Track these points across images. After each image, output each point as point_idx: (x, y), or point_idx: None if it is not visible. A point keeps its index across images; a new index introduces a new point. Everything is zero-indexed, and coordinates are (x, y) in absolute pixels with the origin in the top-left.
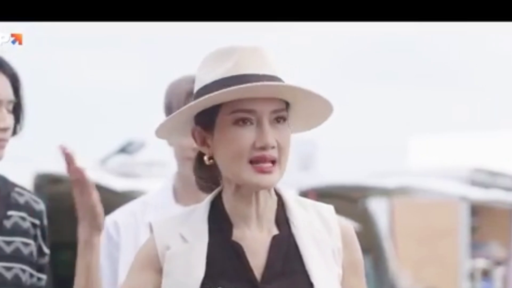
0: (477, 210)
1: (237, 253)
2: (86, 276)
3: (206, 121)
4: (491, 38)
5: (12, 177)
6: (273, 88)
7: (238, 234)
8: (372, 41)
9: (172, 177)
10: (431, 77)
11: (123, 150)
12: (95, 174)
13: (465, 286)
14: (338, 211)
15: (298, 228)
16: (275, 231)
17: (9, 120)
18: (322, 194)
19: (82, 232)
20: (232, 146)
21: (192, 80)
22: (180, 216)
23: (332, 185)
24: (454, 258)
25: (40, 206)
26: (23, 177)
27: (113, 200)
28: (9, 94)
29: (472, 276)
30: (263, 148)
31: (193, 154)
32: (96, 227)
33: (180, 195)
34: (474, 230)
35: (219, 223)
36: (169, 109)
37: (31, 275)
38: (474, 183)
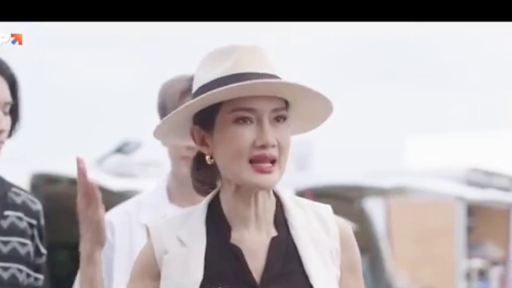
0: (473, 210)
1: (236, 256)
2: None
3: (205, 120)
4: (490, 38)
5: (9, 177)
6: (272, 85)
7: (237, 236)
8: (370, 41)
9: (166, 177)
10: (428, 77)
11: (120, 150)
12: (91, 174)
13: (461, 286)
14: (335, 211)
15: (296, 229)
16: (273, 233)
17: (5, 122)
18: (318, 194)
19: (84, 247)
20: (232, 145)
21: (185, 80)
22: (178, 219)
23: (329, 185)
24: (450, 258)
25: (37, 206)
26: (19, 177)
27: (109, 200)
28: (5, 95)
29: (468, 276)
30: (263, 146)
31: (187, 153)
32: (99, 242)
33: (174, 195)
34: (470, 230)
35: (217, 225)
36: (163, 109)
37: (28, 275)
38: (471, 183)
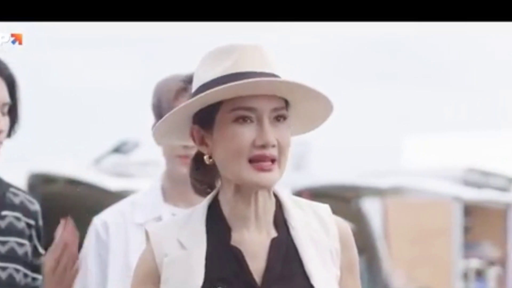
0: (470, 210)
1: (236, 258)
2: None
3: (205, 119)
4: (490, 38)
5: (6, 176)
6: (272, 84)
7: (237, 238)
8: (370, 41)
9: (161, 177)
10: (426, 77)
11: (117, 150)
12: (89, 174)
13: (458, 286)
14: (332, 211)
15: (296, 230)
16: (273, 233)
17: (3, 122)
18: (316, 194)
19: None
20: (232, 144)
21: (180, 79)
22: (177, 221)
23: (326, 185)
24: (447, 258)
25: (35, 206)
26: (17, 177)
27: (107, 200)
28: (4, 96)
29: (465, 276)
30: (263, 146)
31: (183, 152)
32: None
33: (169, 195)
34: (467, 230)
35: (217, 227)
36: (158, 108)
37: (26, 275)
38: (467, 183)
